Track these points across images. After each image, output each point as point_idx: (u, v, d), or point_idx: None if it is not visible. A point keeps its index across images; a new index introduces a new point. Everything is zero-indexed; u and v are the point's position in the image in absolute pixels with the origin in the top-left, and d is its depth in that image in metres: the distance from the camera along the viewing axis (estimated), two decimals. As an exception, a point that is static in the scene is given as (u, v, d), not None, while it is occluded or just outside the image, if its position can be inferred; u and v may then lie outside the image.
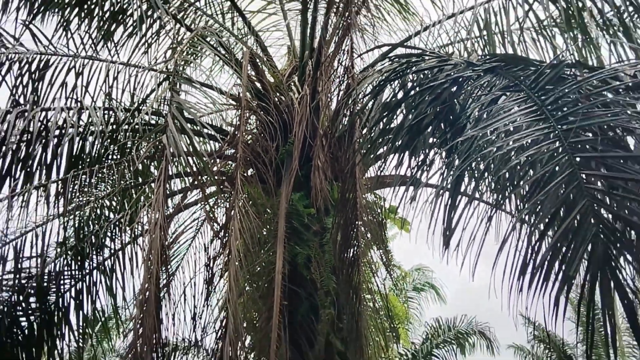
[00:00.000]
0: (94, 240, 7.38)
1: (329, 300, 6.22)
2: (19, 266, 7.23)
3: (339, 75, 6.70)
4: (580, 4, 6.20)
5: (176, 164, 5.88)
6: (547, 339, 18.86)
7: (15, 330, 7.34)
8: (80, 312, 7.57)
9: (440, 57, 5.28)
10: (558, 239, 3.30)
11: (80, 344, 7.89)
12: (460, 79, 4.67)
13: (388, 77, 5.30)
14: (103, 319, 8.32)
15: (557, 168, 3.45)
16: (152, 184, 6.29)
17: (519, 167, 3.73)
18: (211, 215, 6.59)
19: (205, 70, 8.11)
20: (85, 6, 7.21)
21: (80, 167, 6.95)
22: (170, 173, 5.85)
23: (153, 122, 7.01)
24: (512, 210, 4.02)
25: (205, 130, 6.83)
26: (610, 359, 17.64)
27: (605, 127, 3.76)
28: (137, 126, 6.96)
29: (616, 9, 6.18)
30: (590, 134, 3.69)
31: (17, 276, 7.26)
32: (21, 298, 7.33)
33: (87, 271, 7.55)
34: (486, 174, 4.06)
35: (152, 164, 7.06)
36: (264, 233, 6.39)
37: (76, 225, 7.25)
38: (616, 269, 3.16)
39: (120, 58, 7.55)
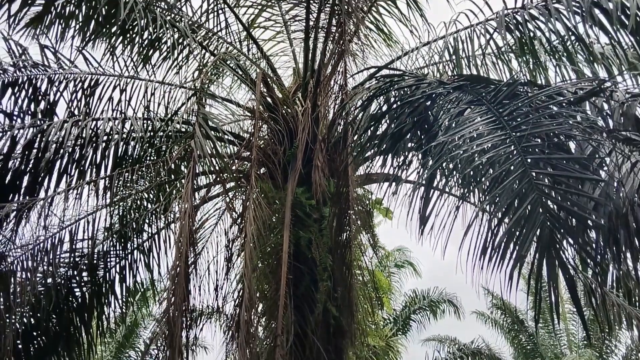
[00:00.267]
0: (134, 226, 7.37)
1: (326, 275, 6.20)
2: (74, 247, 7.22)
3: (335, 91, 6.68)
4: (531, 34, 6.18)
5: (202, 164, 5.86)
6: (504, 307, 18.86)
7: (70, 299, 7.33)
8: (124, 284, 7.57)
9: (417, 77, 5.27)
10: (512, 225, 3.29)
11: (124, 310, 7.89)
12: (434, 95, 4.65)
13: (375, 94, 5.28)
14: (142, 290, 8.32)
15: (512, 167, 3.45)
16: (182, 180, 6.27)
17: (481, 167, 3.73)
18: (230, 206, 6.57)
19: (225, 87, 8.08)
20: (128, 35, 7.18)
21: (123, 166, 6.93)
22: (197, 171, 5.82)
23: (183, 129, 6.99)
24: (476, 201, 4.01)
25: (226, 137, 6.81)
26: (554, 322, 17.67)
27: (551, 134, 3.76)
28: (170, 133, 6.94)
29: (561, 38, 6.16)
30: (539, 140, 3.69)
31: (72, 255, 7.25)
32: (75, 273, 7.32)
33: (129, 251, 7.54)
34: (454, 172, 4.05)
35: (183, 163, 7.04)
36: (273, 220, 6.37)
37: (120, 213, 7.24)
38: (560, 250, 3.17)
39: (156, 77, 7.53)
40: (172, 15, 7.11)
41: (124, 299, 7.66)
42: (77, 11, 6.88)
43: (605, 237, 3.55)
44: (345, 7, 6.50)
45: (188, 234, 5.26)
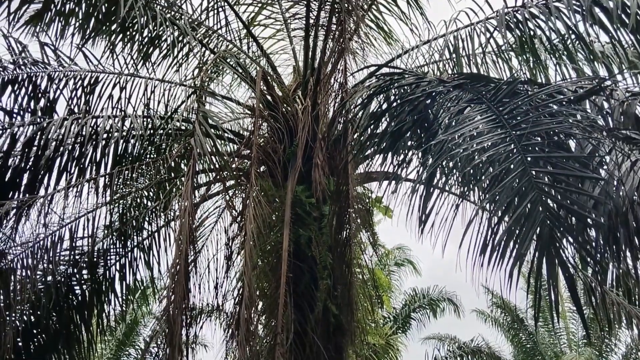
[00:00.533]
0: (134, 224, 7.37)
1: (326, 273, 6.20)
2: (74, 244, 7.22)
3: (335, 90, 6.68)
4: (531, 32, 6.17)
5: (202, 162, 5.86)
6: (503, 305, 18.87)
7: (70, 296, 7.34)
8: (124, 282, 7.57)
9: (417, 75, 5.27)
10: (512, 223, 3.30)
11: (124, 308, 7.90)
12: (434, 93, 4.65)
13: (375, 92, 5.28)
14: (142, 287, 8.32)
15: (511, 166, 3.45)
16: (182, 178, 6.27)
17: (480, 165, 3.73)
18: (230, 204, 6.57)
19: (225, 85, 8.08)
20: (128, 33, 7.18)
21: (123, 164, 6.94)
22: (197, 169, 5.83)
23: (183, 127, 6.99)
24: (475, 200, 4.01)
25: (226, 135, 6.81)
26: (554, 321, 17.68)
27: (551, 132, 3.76)
28: (170, 131, 6.94)
29: (561, 37, 6.16)
30: (539, 138, 3.69)
31: (72, 253, 7.25)
32: (75, 270, 7.32)
33: (129, 249, 7.54)
34: (454, 171, 4.06)
35: (182, 161, 7.04)
36: (273, 218, 6.37)
37: (120, 211, 7.24)
38: (559, 248, 3.17)
39: (156, 75, 7.52)
40: (172, 12, 7.10)
41: (124, 297, 7.66)
42: (76, 9, 6.88)
43: (605, 236, 3.56)
44: (346, 5, 6.50)
45: (188, 232, 5.26)
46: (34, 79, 7.17)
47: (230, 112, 7.23)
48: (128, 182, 7.03)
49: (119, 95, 7.38)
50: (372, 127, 5.19)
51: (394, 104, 5.03)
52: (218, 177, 6.58)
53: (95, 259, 7.36)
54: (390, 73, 6.43)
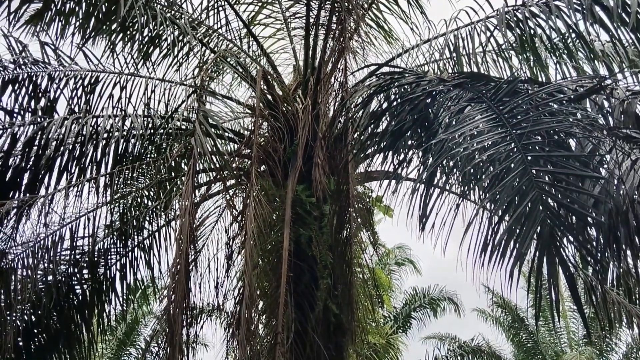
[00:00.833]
0: (135, 223, 7.37)
1: (327, 273, 6.20)
2: (74, 244, 7.22)
3: (335, 89, 6.68)
4: (532, 31, 6.17)
5: (202, 161, 5.86)
6: (504, 304, 18.87)
7: (71, 296, 7.34)
8: (124, 281, 7.57)
9: (417, 74, 5.27)
10: (513, 223, 3.30)
11: (124, 308, 7.90)
12: (434, 92, 4.65)
13: (375, 91, 5.28)
14: (143, 287, 8.33)
15: (512, 165, 3.45)
16: (183, 178, 6.27)
17: (481, 164, 3.73)
18: (231, 203, 6.57)
19: (226, 85, 8.08)
20: (128, 32, 7.18)
21: (124, 163, 6.94)
22: (198, 169, 5.84)
23: (184, 127, 6.99)
24: (476, 199, 4.01)
25: (226, 134, 6.81)
26: (555, 320, 17.68)
27: (552, 131, 3.76)
28: (170, 130, 6.94)
29: (561, 35, 6.16)
30: (539, 137, 3.69)
31: (73, 252, 7.26)
32: (76, 270, 7.33)
33: (130, 248, 7.54)
34: (454, 170, 4.05)
35: (183, 161, 7.04)
36: (274, 218, 6.37)
37: (121, 211, 7.24)
38: (560, 247, 3.17)
39: (156, 74, 7.52)
40: (172, 12, 7.10)
41: (124, 297, 7.67)
42: (77, 8, 6.88)
43: (606, 235, 3.55)
44: (346, 4, 6.50)
45: (188, 232, 5.26)
46: (34, 78, 7.18)
47: (230, 111, 7.24)
48: (128, 182, 7.03)
49: (119, 94, 7.39)
50: (372, 126, 5.19)
51: (395, 103, 5.03)
52: (218, 176, 6.58)
53: (95, 259, 7.36)
54: (391, 72, 6.43)
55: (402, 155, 4.76)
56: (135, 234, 7.47)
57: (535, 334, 18.82)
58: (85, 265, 7.35)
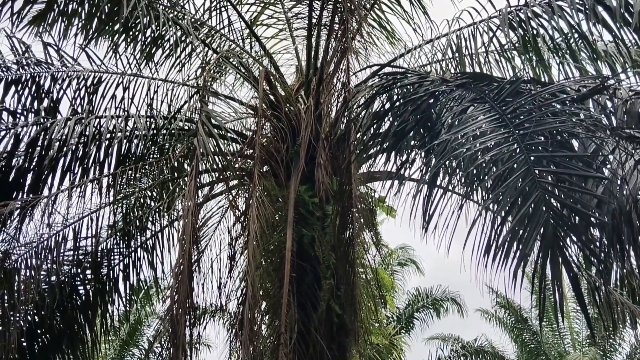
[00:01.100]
0: (138, 224, 7.38)
1: (329, 273, 6.21)
2: (77, 245, 7.23)
3: (338, 89, 6.68)
4: (534, 31, 6.17)
5: (205, 161, 5.87)
6: (507, 305, 18.85)
7: (74, 296, 7.35)
8: (127, 282, 7.58)
9: (420, 75, 5.27)
10: (516, 223, 3.30)
11: (127, 308, 7.91)
12: (437, 93, 4.65)
13: (377, 91, 5.28)
14: (146, 287, 8.34)
15: (515, 165, 3.45)
16: (186, 178, 6.28)
17: (484, 165, 3.73)
18: (233, 204, 6.58)
19: (228, 85, 8.09)
20: (131, 33, 7.19)
21: (127, 164, 6.95)
22: (200, 169, 5.83)
23: (186, 127, 7.01)
24: (479, 200, 4.01)
25: (229, 134, 6.82)
26: (558, 320, 17.65)
27: (555, 131, 3.76)
28: (173, 131, 6.95)
29: (564, 35, 6.15)
30: (542, 138, 3.69)
31: (76, 253, 7.27)
32: (79, 271, 7.34)
33: (133, 249, 7.55)
34: (457, 171, 4.05)
35: (186, 161, 7.05)
36: (277, 218, 6.38)
37: (123, 211, 7.25)
38: (563, 248, 3.17)
39: (159, 75, 7.54)
40: (175, 12, 7.11)
41: (127, 297, 7.67)
42: (79, 9, 6.89)
43: (609, 235, 3.55)
44: (348, 4, 6.50)
45: (191, 232, 5.27)
46: (37, 79, 7.19)
47: (233, 111, 7.24)
48: (131, 182, 7.04)
49: (122, 95, 7.40)
50: (375, 126, 5.19)
51: (397, 103, 5.03)
52: (221, 177, 6.59)
53: (98, 259, 7.37)
54: (393, 72, 6.44)
55: (405, 156, 4.76)
56: (138, 234, 7.48)
57: (539, 335, 18.79)
58: (88, 265, 7.36)
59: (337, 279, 6.23)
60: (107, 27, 7.04)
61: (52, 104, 7.24)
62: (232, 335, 6.03)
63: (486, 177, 3.75)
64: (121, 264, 7.54)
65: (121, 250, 7.49)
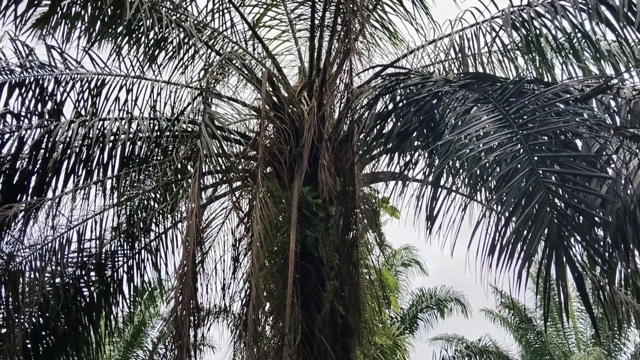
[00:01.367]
0: (142, 226, 7.39)
1: (333, 274, 6.21)
2: (82, 247, 7.25)
3: (341, 90, 6.68)
4: (537, 31, 6.16)
5: (208, 163, 5.87)
6: (512, 305, 18.81)
7: (79, 298, 7.37)
8: (131, 283, 7.59)
9: (423, 75, 5.27)
10: (520, 223, 3.29)
11: (131, 310, 7.92)
12: (440, 93, 4.65)
13: (380, 92, 5.29)
14: (150, 289, 8.35)
15: (519, 166, 3.44)
16: (189, 180, 6.29)
17: (487, 165, 3.73)
18: (237, 205, 6.58)
19: (231, 87, 8.09)
20: (134, 35, 7.21)
21: (130, 166, 6.96)
22: (204, 171, 5.84)
23: (190, 129, 7.01)
24: (483, 200, 4.00)
25: (232, 136, 6.82)
26: (563, 320, 17.61)
27: (558, 131, 3.75)
28: (176, 133, 6.96)
29: (567, 35, 6.14)
30: (546, 138, 3.68)
31: (80, 255, 7.28)
32: (83, 272, 7.36)
33: (137, 251, 7.56)
34: (461, 171, 4.05)
35: (189, 163, 7.05)
36: (280, 219, 6.38)
37: (127, 213, 7.26)
38: (568, 248, 3.16)
39: (162, 77, 7.55)
40: (178, 14, 7.12)
41: (131, 299, 7.68)
42: (82, 12, 6.91)
43: (613, 235, 3.54)
44: (351, 5, 6.50)
45: (195, 234, 5.27)
46: (41, 81, 7.21)
47: (236, 113, 7.25)
48: (135, 184, 7.05)
49: (125, 97, 7.40)
50: (378, 127, 5.19)
51: (400, 104, 5.03)
52: (225, 178, 6.59)
53: (103, 261, 7.39)
54: (396, 73, 6.44)
55: (408, 157, 4.76)
56: (142, 236, 7.49)
57: (543, 335, 18.75)
58: (92, 267, 7.37)
59: (340, 279, 6.23)
60: (110, 30, 7.06)
61: (55, 107, 7.25)
62: (236, 337, 6.03)
63: (490, 178, 3.74)
64: (125, 265, 7.55)
65: (125, 252, 7.50)
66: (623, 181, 3.70)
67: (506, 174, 3.48)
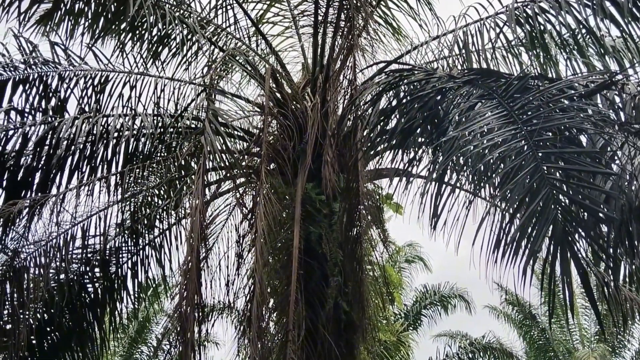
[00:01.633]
0: (146, 222, 7.40)
1: (337, 270, 6.21)
2: (86, 243, 7.27)
3: (344, 86, 6.68)
4: (541, 27, 6.14)
5: (212, 159, 5.88)
6: (517, 301, 18.80)
7: (83, 294, 7.39)
8: (136, 280, 7.60)
9: (427, 71, 5.25)
10: (525, 220, 3.29)
11: (136, 306, 7.94)
12: (444, 89, 4.64)
13: (384, 88, 5.27)
14: (154, 285, 8.36)
15: (523, 162, 3.43)
16: (193, 176, 6.29)
17: (492, 162, 3.72)
18: (241, 201, 6.59)
19: (235, 83, 8.09)
20: (137, 32, 7.21)
21: (134, 162, 6.97)
22: (208, 167, 5.84)
23: (193, 125, 7.01)
24: (487, 197, 4.00)
25: (236, 132, 6.82)
26: (568, 317, 17.60)
27: (563, 127, 3.74)
28: (180, 129, 6.96)
29: (571, 31, 6.12)
30: (551, 134, 3.67)
31: (85, 251, 7.30)
32: (88, 269, 7.37)
33: (141, 247, 7.57)
34: (465, 168, 4.04)
35: (193, 159, 7.06)
36: (284, 215, 6.38)
37: (131, 209, 7.27)
38: (573, 243, 3.15)
39: (166, 73, 7.55)
40: (181, 11, 7.12)
41: (136, 295, 7.70)
42: (86, 8, 6.92)
43: (618, 231, 3.54)
44: (354, 1, 6.49)
45: (199, 230, 5.28)
46: (44, 78, 7.21)
47: (239, 109, 7.24)
48: (139, 181, 7.06)
49: (129, 94, 7.42)
50: (381, 123, 5.19)
51: (404, 100, 5.02)
52: (228, 174, 6.60)
53: (107, 257, 7.40)
54: (400, 69, 6.42)
55: (412, 153, 4.75)
56: (146, 232, 7.50)
57: (548, 331, 18.74)
58: (96, 263, 7.39)
59: (344, 276, 6.23)
60: (113, 26, 7.07)
61: (59, 103, 7.26)
62: (240, 333, 6.04)
63: (494, 174, 3.73)
64: (129, 261, 7.57)
65: (129, 248, 7.51)
66: (628, 177, 3.69)
67: (510, 170, 3.47)
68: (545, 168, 3.32)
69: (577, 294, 17.21)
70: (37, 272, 6.79)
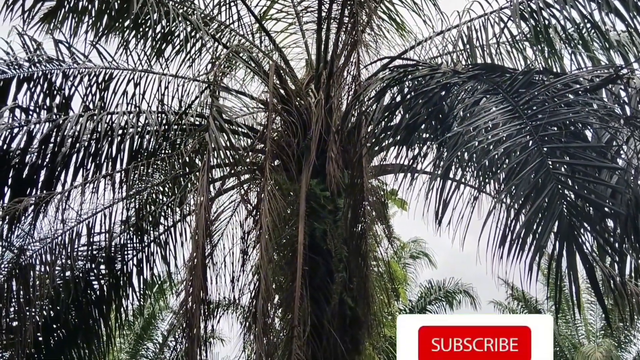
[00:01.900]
0: (151, 219, 7.42)
1: (342, 266, 6.21)
2: (91, 240, 7.29)
3: (348, 82, 6.66)
4: (546, 22, 6.11)
5: (216, 156, 5.88)
6: (523, 297, 18.77)
7: (89, 291, 7.41)
8: (141, 276, 7.62)
9: (431, 66, 5.23)
10: (531, 215, 3.28)
11: (141, 303, 7.96)
12: (448, 85, 4.62)
13: (388, 84, 5.26)
14: (159, 282, 8.38)
15: (528, 157, 3.42)
16: (197, 173, 6.30)
17: (497, 157, 3.71)
18: (245, 198, 6.60)
19: (239, 80, 8.08)
20: (141, 29, 7.21)
21: (139, 159, 6.97)
22: (212, 164, 5.85)
23: (197, 122, 7.02)
24: (492, 192, 3.99)
25: (240, 129, 6.82)
26: (575, 312, 17.57)
27: (568, 122, 3.73)
28: (184, 126, 6.97)
29: (576, 26, 6.09)
30: (556, 129, 3.66)
31: (90, 248, 7.32)
32: (93, 266, 7.40)
33: (146, 244, 7.59)
34: (470, 163, 4.03)
35: (197, 156, 7.07)
36: (288, 212, 6.38)
37: (136, 206, 7.29)
38: (579, 238, 3.15)
39: (170, 71, 7.55)
40: (185, 8, 7.12)
41: (141, 292, 7.72)
42: (89, 6, 6.92)
43: (624, 226, 3.52)
44: (358, -3, 6.47)
45: (204, 227, 5.29)
46: (49, 76, 7.22)
47: (243, 106, 7.24)
48: (144, 178, 7.07)
49: (133, 91, 7.41)
50: (386, 119, 5.17)
51: (408, 96, 5.00)
52: (233, 171, 6.60)
53: (112, 254, 7.42)
54: (404, 65, 6.41)
55: (417, 149, 4.74)
56: (151, 229, 7.52)
57: (553, 326, 18.71)
58: (102, 260, 7.41)
59: (349, 272, 6.24)
60: (117, 24, 7.07)
61: (64, 101, 7.27)
62: (246, 329, 6.05)
63: (499, 170, 3.72)
64: (135, 258, 7.58)
65: (134, 245, 7.53)
66: (634, 171, 3.67)
67: (516, 165, 3.46)
68: (550, 163, 3.31)
69: (582, 289, 17.17)
70: (43, 269, 6.81)
